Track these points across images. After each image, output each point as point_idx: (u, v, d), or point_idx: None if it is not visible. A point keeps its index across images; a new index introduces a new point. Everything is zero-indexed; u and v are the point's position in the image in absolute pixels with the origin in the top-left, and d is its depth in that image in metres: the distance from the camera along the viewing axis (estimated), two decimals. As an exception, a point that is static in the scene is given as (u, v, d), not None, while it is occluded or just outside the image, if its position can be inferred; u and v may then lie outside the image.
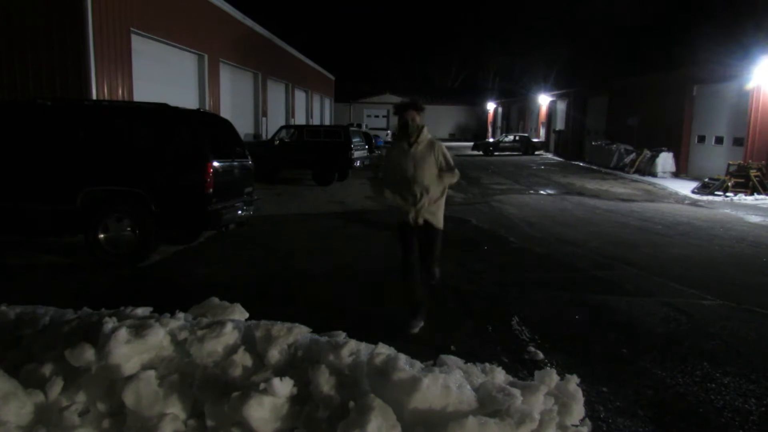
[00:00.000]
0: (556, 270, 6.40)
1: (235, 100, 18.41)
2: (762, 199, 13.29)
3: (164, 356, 1.77)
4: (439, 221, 4.17)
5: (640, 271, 6.28)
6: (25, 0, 9.94)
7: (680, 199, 13.55)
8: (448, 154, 4.15)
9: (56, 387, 1.71)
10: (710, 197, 13.71)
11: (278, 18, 35.82)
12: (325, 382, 1.62)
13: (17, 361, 1.87)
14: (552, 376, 1.84)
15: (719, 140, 17.50)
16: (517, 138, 32.28)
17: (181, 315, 2.00)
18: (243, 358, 1.74)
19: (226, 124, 7.58)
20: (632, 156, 20.06)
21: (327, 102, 37.56)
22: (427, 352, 3.26)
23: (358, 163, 15.08)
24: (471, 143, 35.62)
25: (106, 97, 10.41)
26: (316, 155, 14.63)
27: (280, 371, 1.69)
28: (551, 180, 17.61)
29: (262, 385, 1.58)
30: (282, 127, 17.15)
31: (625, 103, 23.45)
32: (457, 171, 4.15)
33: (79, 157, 6.26)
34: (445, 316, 4.54)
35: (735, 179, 14.08)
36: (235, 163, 7.03)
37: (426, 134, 4.16)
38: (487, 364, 1.91)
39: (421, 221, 4.09)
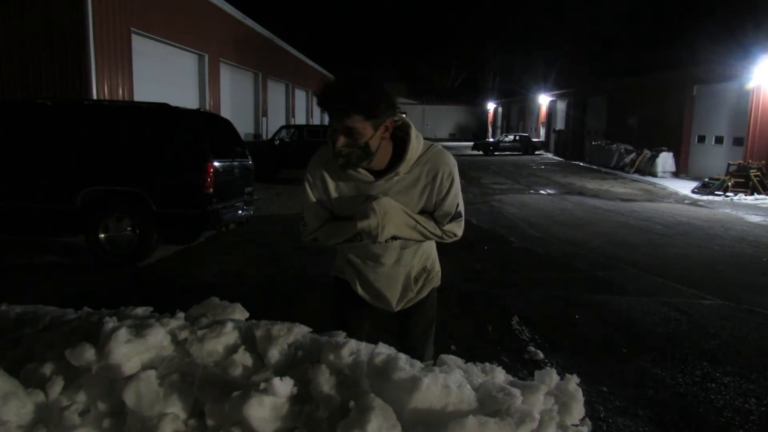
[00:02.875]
0: (557, 270, 6.40)
1: (235, 100, 18.41)
2: (762, 199, 13.30)
3: (164, 356, 1.77)
4: (435, 282, 2.25)
5: (640, 271, 6.28)
6: (25, 0, 9.95)
7: (680, 199, 13.55)
8: (460, 194, 1.99)
9: (56, 386, 1.71)
10: (710, 197, 13.72)
11: (278, 18, 35.86)
12: (325, 382, 1.62)
13: (17, 360, 1.87)
14: (552, 376, 1.84)
15: (719, 140, 17.51)
16: (517, 138, 32.31)
17: (181, 315, 1.99)
18: (243, 358, 1.73)
19: (226, 124, 7.59)
20: (632, 156, 20.07)
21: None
22: (427, 351, 3.27)
23: None
24: (471, 143, 35.63)
25: (107, 97, 10.41)
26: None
27: (281, 371, 1.69)
28: (551, 180, 17.62)
29: (262, 385, 1.58)
30: (282, 127, 17.16)
31: (625, 103, 23.47)
32: (462, 223, 2.02)
33: (79, 156, 6.26)
34: (445, 316, 4.54)
35: (735, 179, 14.09)
36: (235, 163, 7.04)
37: (417, 148, 1.90)
38: (487, 364, 1.91)
39: (399, 307, 2.16)
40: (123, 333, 1.72)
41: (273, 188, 13.41)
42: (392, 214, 1.87)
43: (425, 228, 1.97)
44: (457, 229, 2.01)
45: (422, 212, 1.97)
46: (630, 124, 22.37)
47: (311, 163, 2.01)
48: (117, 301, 2.45)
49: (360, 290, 2.15)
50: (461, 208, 2.00)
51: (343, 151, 1.80)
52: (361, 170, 1.87)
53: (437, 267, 2.23)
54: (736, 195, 13.69)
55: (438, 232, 1.99)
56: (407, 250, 2.07)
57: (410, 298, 2.16)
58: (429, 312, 2.25)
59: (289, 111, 25.67)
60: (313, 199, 1.98)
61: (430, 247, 2.19)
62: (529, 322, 4.52)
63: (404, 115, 1.91)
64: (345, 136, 1.78)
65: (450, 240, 2.03)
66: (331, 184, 1.95)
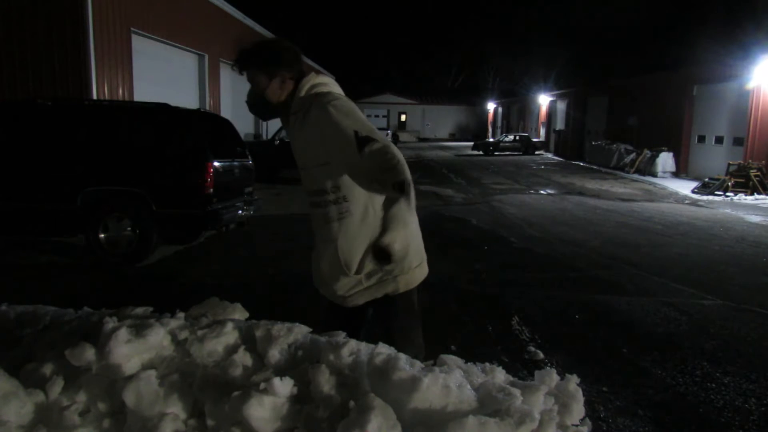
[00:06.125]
0: (557, 270, 6.40)
1: (235, 100, 18.40)
2: (762, 199, 13.30)
3: (164, 356, 1.77)
4: (405, 282, 2.01)
5: (640, 271, 6.28)
6: (25, 0, 9.94)
7: (680, 199, 13.55)
8: (360, 120, 1.88)
9: (56, 387, 1.71)
10: (710, 197, 13.72)
11: (278, 18, 35.87)
12: (325, 382, 1.62)
13: (17, 360, 1.87)
14: (552, 376, 1.84)
15: (719, 140, 17.51)
16: (517, 138, 32.31)
17: (181, 315, 1.99)
18: (243, 358, 1.73)
19: (226, 124, 7.59)
20: (632, 156, 20.07)
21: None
22: (427, 351, 3.27)
23: None
24: (471, 143, 35.63)
25: (107, 97, 10.41)
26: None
27: (281, 371, 1.69)
28: (551, 180, 17.61)
29: (262, 385, 1.58)
30: (282, 127, 17.14)
31: (625, 103, 23.46)
32: (384, 148, 1.79)
33: (79, 157, 6.26)
34: (445, 316, 4.54)
35: (735, 179, 14.08)
36: (235, 163, 7.04)
37: (308, 91, 2.02)
38: (487, 364, 1.91)
39: (342, 292, 2.02)
40: (123, 333, 1.72)
41: (273, 188, 13.41)
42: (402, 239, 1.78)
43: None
44: (379, 150, 1.78)
45: (323, 165, 1.96)
46: (630, 124, 22.37)
47: None
48: (117, 301, 2.45)
49: (314, 281, 2.17)
50: (366, 132, 1.82)
51: (248, 99, 2.15)
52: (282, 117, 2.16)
53: (398, 272, 1.99)
54: (736, 195, 13.69)
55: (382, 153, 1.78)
56: (335, 224, 1.95)
57: (357, 291, 1.98)
58: (390, 319, 2.07)
59: (289, 111, 25.64)
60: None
61: (405, 240, 1.84)
62: (529, 322, 4.52)
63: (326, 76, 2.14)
64: (251, 87, 2.12)
65: (391, 164, 1.75)
66: (288, 134, 2.22)
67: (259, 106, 2.14)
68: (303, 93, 2.03)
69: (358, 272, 1.97)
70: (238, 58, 2.08)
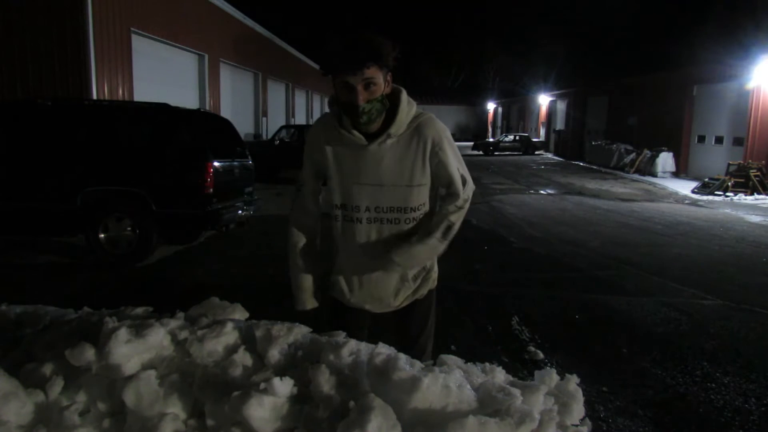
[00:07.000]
0: (557, 270, 6.40)
1: (235, 100, 18.40)
2: (762, 199, 13.30)
3: (164, 356, 1.77)
4: (431, 283, 2.14)
5: (640, 271, 6.28)
6: (25, 0, 9.94)
7: (680, 199, 13.55)
8: (461, 159, 1.98)
9: (56, 387, 1.70)
10: (710, 197, 13.72)
11: (278, 17, 35.84)
12: (325, 382, 1.62)
13: (17, 360, 1.87)
14: (552, 376, 1.83)
15: (719, 140, 17.51)
16: (517, 138, 32.34)
17: (181, 315, 1.99)
18: (243, 358, 1.73)
19: (226, 124, 7.59)
20: (632, 156, 20.08)
21: (327, 101, 37.58)
22: (427, 351, 3.27)
23: None
24: (471, 143, 35.65)
25: (107, 97, 10.41)
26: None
27: (281, 371, 1.69)
28: (551, 180, 17.62)
29: (262, 385, 1.58)
30: (282, 127, 17.16)
31: (625, 103, 23.47)
32: (471, 184, 1.99)
33: (79, 157, 6.26)
34: (445, 316, 4.54)
35: (735, 179, 14.09)
36: (235, 163, 7.04)
37: (408, 111, 1.89)
38: (487, 364, 1.91)
39: (397, 302, 2.05)
40: (123, 333, 1.71)
41: (273, 188, 13.40)
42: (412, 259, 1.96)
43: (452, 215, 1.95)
44: (470, 192, 2.00)
45: (419, 186, 1.92)
46: (630, 124, 22.38)
47: (312, 129, 2.05)
48: (117, 301, 2.45)
49: (354, 299, 2.08)
50: (464, 171, 1.96)
51: (366, 107, 1.77)
52: (354, 132, 1.86)
53: (436, 268, 2.16)
54: (736, 195, 13.69)
55: (445, 221, 1.93)
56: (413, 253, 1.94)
57: (407, 295, 2.08)
58: (427, 311, 2.19)
59: (289, 111, 25.66)
60: (309, 164, 2.06)
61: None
62: (529, 322, 4.52)
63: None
64: (365, 90, 1.76)
65: (464, 209, 1.97)
66: (328, 149, 1.96)
67: (377, 114, 1.81)
68: (411, 114, 1.89)
69: (414, 282, 2.07)
70: (353, 52, 1.72)
